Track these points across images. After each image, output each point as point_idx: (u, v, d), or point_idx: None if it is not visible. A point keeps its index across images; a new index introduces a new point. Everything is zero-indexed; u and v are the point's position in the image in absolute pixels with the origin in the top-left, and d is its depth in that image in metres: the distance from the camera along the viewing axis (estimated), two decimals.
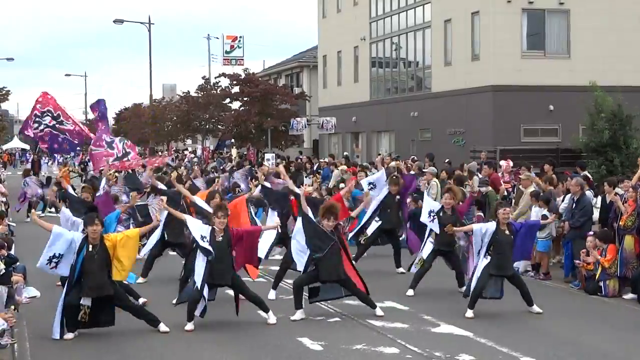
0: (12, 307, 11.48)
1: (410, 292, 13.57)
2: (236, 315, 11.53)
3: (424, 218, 13.82)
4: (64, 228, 12.62)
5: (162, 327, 11.10)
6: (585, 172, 19.08)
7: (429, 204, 14.02)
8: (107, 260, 10.88)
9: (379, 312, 12.01)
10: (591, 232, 14.42)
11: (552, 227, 15.11)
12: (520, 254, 12.64)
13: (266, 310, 11.63)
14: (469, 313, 11.97)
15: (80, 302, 10.81)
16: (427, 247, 13.80)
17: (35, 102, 20.87)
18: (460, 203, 14.25)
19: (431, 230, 13.74)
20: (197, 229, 11.38)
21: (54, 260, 10.85)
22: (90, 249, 10.79)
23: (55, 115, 21.03)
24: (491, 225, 12.22)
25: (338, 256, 11.83)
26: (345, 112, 43.08)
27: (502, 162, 20.89)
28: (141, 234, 11.86)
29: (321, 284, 11.98)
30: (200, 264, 11.22)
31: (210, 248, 11.15)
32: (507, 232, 12.12)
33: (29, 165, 40.53)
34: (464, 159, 27.87)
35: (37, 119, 20.98)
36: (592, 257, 13.77)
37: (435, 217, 13.66)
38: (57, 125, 20.94)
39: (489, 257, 12.05)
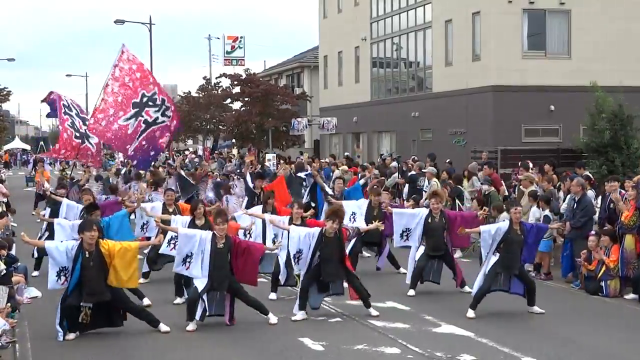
0: (9, 304, 11.45)
1: (412, 292, 13.58)
2: (237, 316, 11.53)
3: (396, 241, 14.09)
4: (60, 237, 12.72)
5: (163, 327, 11.11)
6: (587, 172, 19.07)
7: (400, 224, 14.05)
8: (103, 265, 10.78)
9: (373, 312, 12.01)
10: (593, 232, 14.42)
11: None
12: (527, 256, 12.64)
13: (266, 313, 11.64)
14: (470, 313, 11.96)
15: (81, 304, 10.80)
16: (420, 251, 13.84)
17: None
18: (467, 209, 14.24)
19: (422, 236, 13.77)
20: (186, 247, 11.36)
21: (62, 274, 10.82)
22: (87, 256, 10.71)
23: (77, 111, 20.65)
24: (503, 225, 12.24)
25: (340, 258, 11.89)
26: (346, 113, 43.08)
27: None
28: (141, 247, 11.80)
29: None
30: (201, 279, 11.26)
31: (187, 272, 11.37)
32: (519, 231, 12.14)
33: (30, 166, 40.35)
34: (465, 159, 27.87)
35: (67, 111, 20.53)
36: (597, 257, 13.78)
37: (409, 235, 13.90)
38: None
39: (497, 255, 12.06)
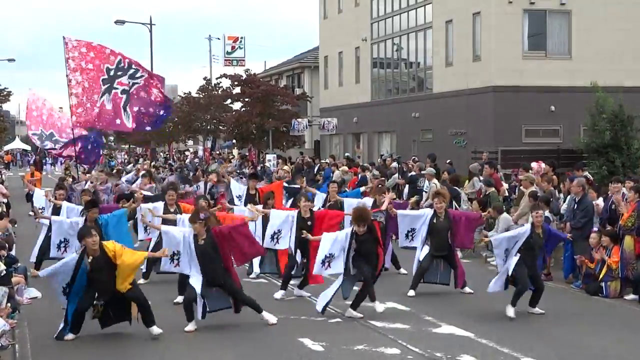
0: (9, 305, 11.41)
1: (412, 292, 13.56)
2: (237, 316, 11.53)
3: (402, 242, 14.02)
4: (58, 235, 12.72)
5: (155, 329, 10.86)
6: (586, 173, 19.04)
7: (405, 225, 13.97)
8: (111, 266, 10.64)
9: (356, 314, 11.99)
10: (595, 229, 14.42)
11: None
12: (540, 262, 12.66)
13: (260, 312, 11.52)
14: (511, 312, 11.85)
15: (94, 302, 10.76)
16: (424, 250, 13.81)
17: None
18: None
19: (426, 237, 13.75)
20: (170, 246, 11.39)
21: (67, 290, 10.83)
22: (91, 260, 10.58)
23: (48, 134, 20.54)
24: (523, 229, 12.19)
25: (377, 250, 12.03)
26: (346, 113, 43.10)
27: (534, 164, 20.64)
28: (148, 257, 11.71)
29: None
30: (195, 276, 11.24)
31: (177, 270, 11.57)
32: (541, 234, 12.12)
33: (27, 168, 40.27)
34: (465, 160, 27.88)
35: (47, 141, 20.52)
36: (598, 255, 13.79)
37: (414, 235, 13.85)
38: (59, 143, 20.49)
39: (518, 255, 12.02)
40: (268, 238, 13.72)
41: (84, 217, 13.32)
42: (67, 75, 18.41)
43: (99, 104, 18.22)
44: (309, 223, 13.26)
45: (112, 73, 18.25)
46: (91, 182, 19.48)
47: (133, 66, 18.42)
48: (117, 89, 18.28)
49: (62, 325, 10.87)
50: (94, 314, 10.88)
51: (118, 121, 18.38)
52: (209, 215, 11.39)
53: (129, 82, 18.36)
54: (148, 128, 19.46)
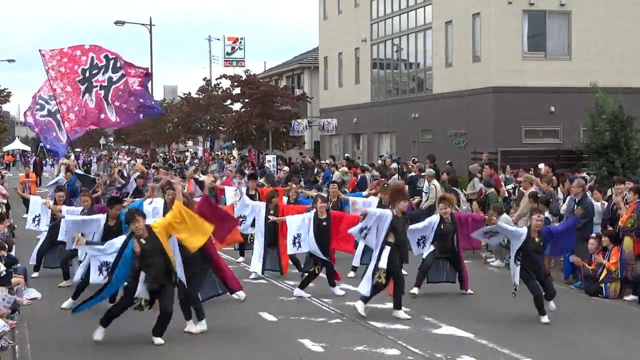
0: (9, 304, 11.41)
1: (415, 290, 13.52)
2: (237, 316, 11.53)
3: (415, 251, 13.93)
4: (70, 232, 12.65)
5: (158, 340, 10.69)
6: (584, 174, 19.05)
7: (415, 236, 13.83)
8: (161, 248, 10.45)
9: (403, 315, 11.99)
10: (594, 234, 14.41)
11: None
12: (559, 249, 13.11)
13: (200, 319, 11.20)
14: (545, 319, 11.79)
15: (136, 295, 10.54)
16: (430, 249, 13.80)
17: (47, 77, 19.68)
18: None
19: (433, 239, 13.73)
20: None
21: (104, 268, 10.68)
22: (143, 243, 10.36)
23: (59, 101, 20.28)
24: (520, 232, 12.14)
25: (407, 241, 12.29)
26: (346, 114, 43.10)
27: (541, 166, 20.52)
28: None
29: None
30: (179, 269, 11.21)
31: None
32: (537, 239, 12.05)
33: (30, 168, 40.12)
34: (465, 161, 27.88)
35: (40, 101, 20.16)
36: (597, 260, 13.79)
37: (426, 241, 13.79)
38: (57, 115, 20.04)
39: (519, 264, 11.97)
40: (290, 244, 13.65)
41: (105, 214, 13.11)
42: (51, 86, 18.48)
43: (82, 103, 18.27)
44: (324, 224, 13.27)
45: (87, 74, 18.29)
46: (106, 173, 19.53)
47: (110, 57, 18.41)
48: (96, 86, 18.33)
49: (89, 300, 10.73)
50: (135, 307, 10.72)
51: (102, 116, 18.41)
52: (185, 201, 11.32)
53: (106, 78, 18.38)
54: (141, 116, 19.32)
